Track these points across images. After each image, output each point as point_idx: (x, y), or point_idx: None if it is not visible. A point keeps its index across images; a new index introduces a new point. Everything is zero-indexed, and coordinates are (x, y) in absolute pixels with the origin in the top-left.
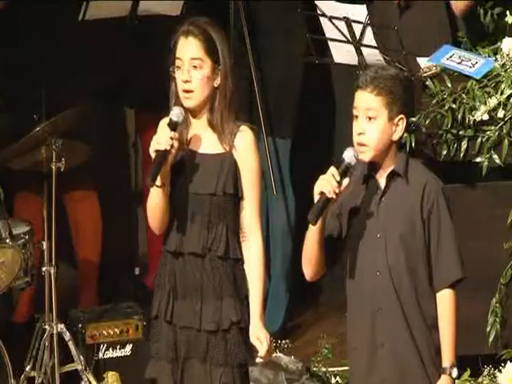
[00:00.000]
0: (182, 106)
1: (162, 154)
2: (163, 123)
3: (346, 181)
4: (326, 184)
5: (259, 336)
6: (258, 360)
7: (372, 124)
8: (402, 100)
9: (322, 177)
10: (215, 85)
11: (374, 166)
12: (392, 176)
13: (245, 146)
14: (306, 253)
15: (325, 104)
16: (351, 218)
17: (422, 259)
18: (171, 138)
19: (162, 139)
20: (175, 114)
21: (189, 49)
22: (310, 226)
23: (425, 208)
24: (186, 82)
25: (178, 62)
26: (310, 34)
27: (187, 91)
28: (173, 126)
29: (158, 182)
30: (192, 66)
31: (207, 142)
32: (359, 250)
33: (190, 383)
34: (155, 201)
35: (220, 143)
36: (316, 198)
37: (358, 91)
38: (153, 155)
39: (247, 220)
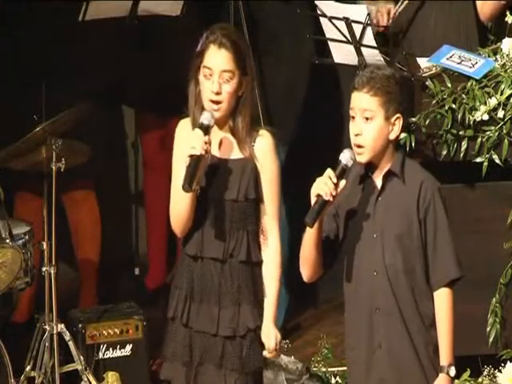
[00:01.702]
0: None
1: (197, 159)
2: (182, 125)
3: (342, 183)
4: (323, 186)
5: (269, 334)
6: (265, 354)
7: (369, 125)
8: (399, 99)
9: (318, 179)
10: (239, 94)
11: (370, 166)
12: (388, 176)
13: (264, 150)
14: (304, 254)
15: (328, 105)
16: (348, 219)
17: (418, 259)
18: (205, 143)
19: (197, 144)
20: (206, 118)
21: (221, 61)
22: (307, 228)
23: (421, 208)
24: (217, 93)
25: (206, 71)
26: (313, 34)
27: (215, 102)
28: (205, 130)
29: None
30: (223, 79)
31: (228, 148)
32: (356, 251)
33: None
34: (184, 205)
35: (240, 149)
36: (313, 200)
37: (353, 92)
38: (187, 161)
39: (266, 223)
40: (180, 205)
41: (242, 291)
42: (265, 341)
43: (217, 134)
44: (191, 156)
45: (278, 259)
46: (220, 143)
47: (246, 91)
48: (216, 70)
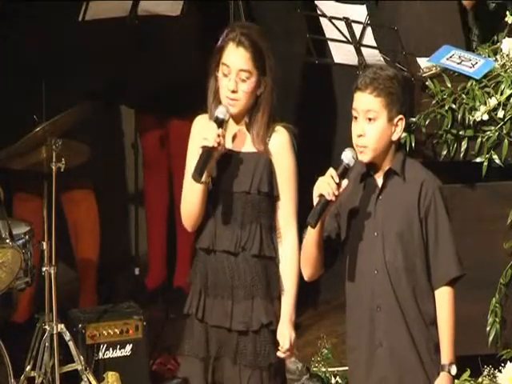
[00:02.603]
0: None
1: (209, 151)
2: (198, 120)
3: (344, 182)
4: (326, 186)
5: (284, 333)
6: (278, 354)
7: (372, 125)
8: (401, 100)
9: (320, 179)
10: (258, 93)
11: (371, 165)
12: (389, 174)
13: (280, 147)
14: (305, 253)
15: (325, 105)
16: (349, 218)
17: (419, 257)
18: (218, 135)
19: (210, 136)
20: (221, 111)
21: (239, 60)
22: (309, 227)
23: (422, 206)
24: (233, 91)
25: (224, 69)
26: (311, 34)
27: (232, 100)
28: (219, 123)
29: (203, 178)
30: (240, 78)
31: (243, 142)
32: (357, 249)
33: (221, 382)
34: (195, 197)
35: (254, 143)
36: (315, 200)
37: (357, 93)
38: (199, 151)
39: (283, 220)
40: (191, 198)
41: (255, 285)
42: (279, 339)
43: (232, 127)
44: (203, 147)
45: (296, 258)
46: (234, 136)
47: (265, 91)
48: (233, 69)
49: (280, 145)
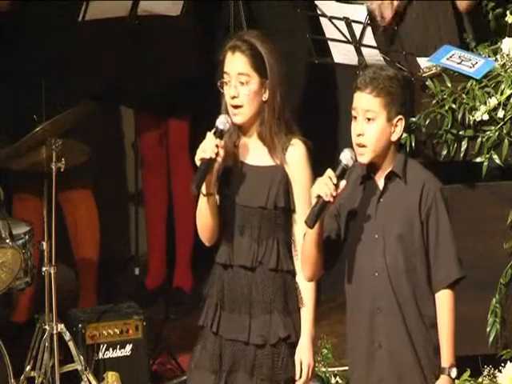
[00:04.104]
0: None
1: (207, 162)
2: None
3: (343, 183)
4: (324, 187)
5: (302, 360)
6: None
7: (371, 125)
8: (401, 100)
9: (318, 180)
10: (263, 99)
11: (372, 167)
12: (390, 177)
13: (296, 160)
14: (304, 254)
15: (328, 105)
16: (349, 219)
17: (420, 260)
18: (216, 146)
19: (208, 147)
20: (221, 121)
21: (236, 64)
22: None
23: (423, 208)
24: (234, 97)
25: (225, 77)
26: (312, 34)
27: (235, 107)
28: (219, 134)
29: (204, 190)
30: (239, 82)
31: (258, 155)
32: (358, 251)
33: None
34: (203, 210)
35: (271, 157)
36: (313, 201)
37: (356, 92)
38: (198, 163)
39: (299, 233)
40: (201, 210)
41: (272, 300)
42: (296, 367)
43: (246, 141)
44: (201, 159)
45: None
46: (249, 150)
47: (269, 96)
48: (232, 74)
49: (296, 158)
